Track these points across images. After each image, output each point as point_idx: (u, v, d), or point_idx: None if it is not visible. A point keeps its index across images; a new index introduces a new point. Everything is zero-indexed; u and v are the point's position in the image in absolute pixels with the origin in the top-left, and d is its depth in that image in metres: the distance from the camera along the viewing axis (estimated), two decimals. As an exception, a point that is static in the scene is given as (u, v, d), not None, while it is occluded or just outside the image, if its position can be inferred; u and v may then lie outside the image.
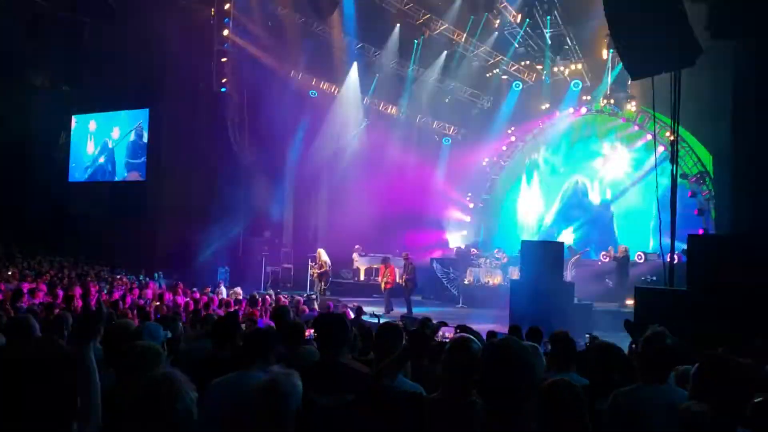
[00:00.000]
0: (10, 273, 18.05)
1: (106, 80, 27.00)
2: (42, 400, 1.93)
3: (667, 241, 12.17)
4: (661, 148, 19.40)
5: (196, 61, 22.41)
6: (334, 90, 24.98)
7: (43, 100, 29.06)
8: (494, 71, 25.29)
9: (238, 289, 17.29)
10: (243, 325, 7.61)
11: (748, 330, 7.69)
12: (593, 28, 21.01)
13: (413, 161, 26.15)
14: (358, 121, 26.20)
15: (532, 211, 26.21)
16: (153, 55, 23.98)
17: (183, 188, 23.77)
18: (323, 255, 20.54)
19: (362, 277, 24.95)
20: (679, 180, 13.90)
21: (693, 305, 9.34)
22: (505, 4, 22.15)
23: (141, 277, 20.46)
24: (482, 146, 26.77)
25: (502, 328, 12.48)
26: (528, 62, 24.12)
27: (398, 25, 23.32)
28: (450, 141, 28.05)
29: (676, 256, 12.41)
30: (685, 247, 12.36)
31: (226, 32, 21.21)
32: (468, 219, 27.51)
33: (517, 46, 23.63)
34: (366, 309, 15.06)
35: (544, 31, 22.09)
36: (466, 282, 22.59)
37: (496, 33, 23.27)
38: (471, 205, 27.47)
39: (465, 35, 23.08)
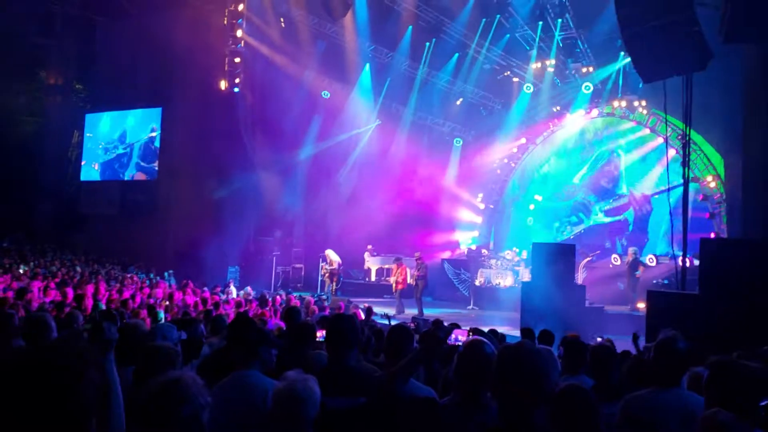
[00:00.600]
0: (21, 271, 18.15)
1: (119, 79, 27.16)
2: (62, 406, 1.88)
3: (678, 244, 12.16)
4: (672, 152, 19.39)
5: (209, 60, 22.45)
6: (347, 91, 24.97)
7: (55, 99, 29.22)
8: (505, 73, 25.24)
9: (249, 289, 17.34)
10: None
11: (761, 334, 7.68)
12: (605, 32, 20.96)
13: (424, 162, 26.18)
14: (369, 122, 26.19)
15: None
16: (166, 54, 24.03)
17: (194, 187, 23.82)
18: (333, 255, 20.56)
19: (373, 278, 24.96)
20: (690, 184, 13.89)
21: (705, 309, 9.32)
22: (517, 6, 22.11)
23: (151, 276, 20.52)
24: (493, 148, 26.73)
25: (513, 331, 12.51)
26: (539, 65, 24.05)
27: (410, 27, 23.31)
28: (461, 142, 28.02)
29: (688, 260, 12.39)
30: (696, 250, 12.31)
31: (239, 32, 21.23)
32: (479, 220, 27.46)
33: (528, 48, 23.59)
34: (377, 310, 15.08)
35: (556, 33, 22.03)
36: (477, 283, 22.56)
37: (508, 35, 23.23)
38: (482, 206, 27.43)
39: (476, 37, 23.04)
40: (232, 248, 22.83)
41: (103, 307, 11.47)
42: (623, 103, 22.59)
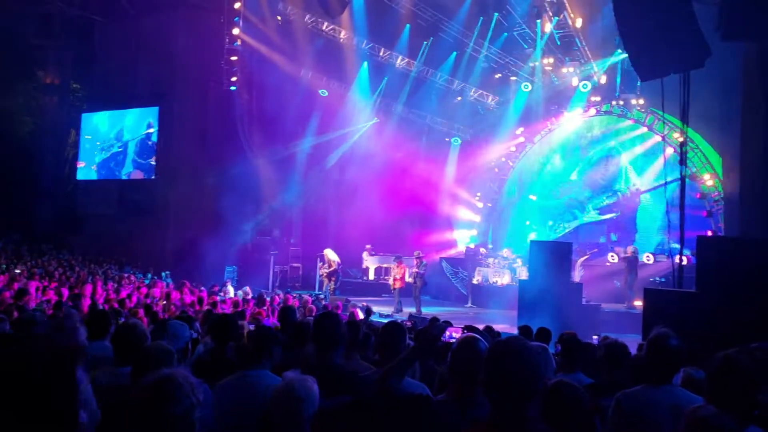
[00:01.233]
0: (18, 271, 18.11)
1: (116, 78, 27.11)
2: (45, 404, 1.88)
3: (675, 242, 12.16)
4: (670, 150, 19.39)
5: (206, 59, 22.43)
6: (344, 89, 24.94)
7: (53, 99, 29.20)
8: (503, 72, 25.22)
9: (247, 289, 17.32)
10: (251, 326, 7.62)
11: (758, 332, 7.66)
12: (603, 29, 20.95)
13: (422, 161, 26.16)
14: (367, 121, 26.16)
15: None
16: (163, 54, 24.02)
17: (192, 187, 23.82)
18: (331, 254, 20.56)
19: (372, 277, 24.97)
20: (687, 181, 13.88)
21: (702, 307, 9.29)
22: (515, 5, 22.12)
23: (149, 276, 20.50)
24: (491, 146, 26.70)
25: (511, 329, 12.52)
26: (537, 63, 24.03)
27: (408, 25, 23.28)
28: (459, 141, 27.99)
29: (685, 258, 12.38)
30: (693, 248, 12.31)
31: (236, 31, 21.20)
32: (477, 219, 27.43)
33: (526, 47, 23.59)
34: (375, 309, 15.08)
35: (554, 31, 22.02)
36: (474, 282, 22.58)
37: (506, 34, 23.21)
38: (480, 205, 27.40)
39: (474, 36, 23.03)
40: (230, 248, 22.80)
41: (101, 306, 11.47)
42: (621, 102, 22.61)
